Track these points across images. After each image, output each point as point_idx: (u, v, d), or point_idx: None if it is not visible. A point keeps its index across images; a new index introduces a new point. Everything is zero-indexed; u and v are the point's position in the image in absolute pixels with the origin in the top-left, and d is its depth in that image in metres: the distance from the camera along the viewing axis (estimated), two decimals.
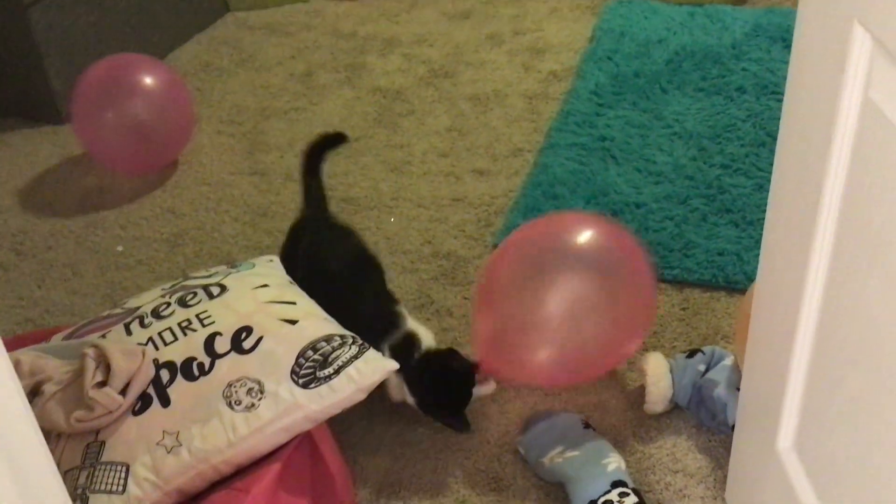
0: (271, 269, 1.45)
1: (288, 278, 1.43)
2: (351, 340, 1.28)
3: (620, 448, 1.45)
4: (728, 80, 2.38)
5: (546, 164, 2.12)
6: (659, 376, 1.48)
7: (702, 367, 1.48)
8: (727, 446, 1.44)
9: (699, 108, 2.28)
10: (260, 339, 1.25)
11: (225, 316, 1.29)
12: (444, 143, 2.28)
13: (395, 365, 1.27)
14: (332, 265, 1.57)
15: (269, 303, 1.32)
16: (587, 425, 1.46)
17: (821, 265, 0.95)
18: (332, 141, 1.75)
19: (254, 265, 1.44)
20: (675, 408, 1.51)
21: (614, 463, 1.37)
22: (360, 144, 2.30)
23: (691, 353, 1.51)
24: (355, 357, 1.25)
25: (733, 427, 1.41)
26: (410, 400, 1.46)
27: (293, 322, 1.28)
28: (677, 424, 1.50)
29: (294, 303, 1.34)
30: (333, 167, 2.21)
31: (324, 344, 1.25)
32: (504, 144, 2.25)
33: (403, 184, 2.14)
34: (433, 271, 1.86)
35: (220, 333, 1.26)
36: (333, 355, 1.24)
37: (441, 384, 1.44)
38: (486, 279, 1.51)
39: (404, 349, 1.45)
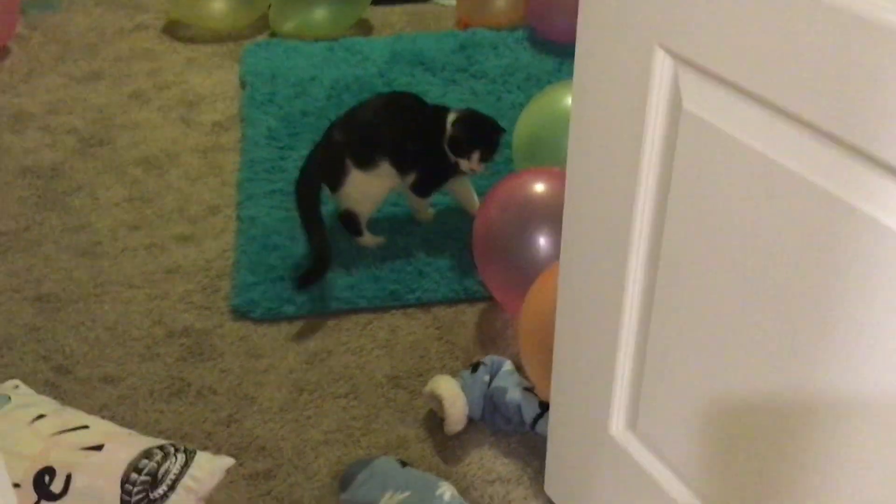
0: (30, 396, 1.24)
1: (56, 402, 1.24)
2: (172, 449, 1.15)
3: (435, 475, 1.47)
4: None
5: (251, 217, 2.06)
6: (454, 397, 1.53)
7: (487, 378, 1.56)
8: (527, 445, 1.54)
9: None
10: (68, 477, 1.07)
11: (12, 464, 1.08)
12: (129, 214, 2.11)
13: (230, 461, 1.17)
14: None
15: (58, 434, 1.13)
16: (404, 463, 1.46)
17: (640, 258, 1.07)
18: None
19: (9, 398, 1.22)
20: (469, 422, 1.57)
21: (447, 490, 1.38)
22: (31, 234, 2.03)
23: (474, 367, 1.58)
24: (186, 465, 1.13)
25: (532, 425, 1.51)
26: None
27: (98, 448, 1.12)
28: (476, 437, 1.56)
29: (86, 426, 1.16)
30: (10, 265, 1.94)
31: (146, 461, 1.11)
32: (196, 205, 2.14)
33: (102, 267, 1.94)
34: (176, 352, 1.72)
35: (16, 485, 1.05)
36: (162, 471, 1.11)
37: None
38: None
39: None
